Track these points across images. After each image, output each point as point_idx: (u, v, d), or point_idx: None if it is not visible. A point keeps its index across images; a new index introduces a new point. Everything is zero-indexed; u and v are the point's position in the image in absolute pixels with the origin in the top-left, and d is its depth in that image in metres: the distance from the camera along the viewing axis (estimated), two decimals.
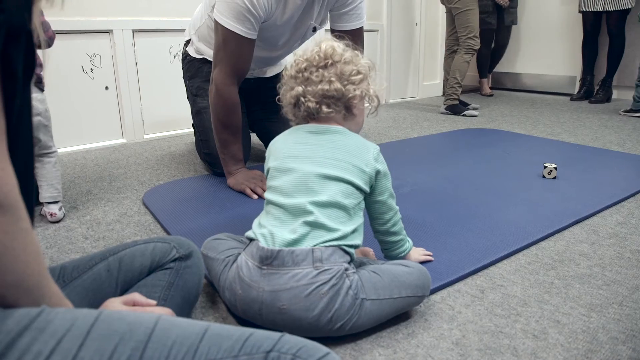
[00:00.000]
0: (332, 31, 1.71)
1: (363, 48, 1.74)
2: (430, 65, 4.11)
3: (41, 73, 1.35)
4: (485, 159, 1.99)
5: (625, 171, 1.81)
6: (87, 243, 1.25)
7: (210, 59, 1.78)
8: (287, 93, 0.96)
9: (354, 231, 0.85)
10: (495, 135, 2.48)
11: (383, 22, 3.60)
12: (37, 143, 1.35)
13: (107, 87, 2.42)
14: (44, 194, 1.38)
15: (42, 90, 1.37)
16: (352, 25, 1.68)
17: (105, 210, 1.50)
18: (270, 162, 0.94)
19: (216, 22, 1.49)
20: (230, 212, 1.42)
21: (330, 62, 0.91)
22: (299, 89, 0.92)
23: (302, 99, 0.93)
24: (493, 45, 4.13)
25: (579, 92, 3.90)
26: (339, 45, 0.93)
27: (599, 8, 3.59)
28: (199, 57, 1.87)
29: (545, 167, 1.71)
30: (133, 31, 2.43)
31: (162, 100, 2.57)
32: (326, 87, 0.90)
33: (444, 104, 3.26)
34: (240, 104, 1.59)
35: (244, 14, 1.44)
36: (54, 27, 2.21)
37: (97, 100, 2.40)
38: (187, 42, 1.94)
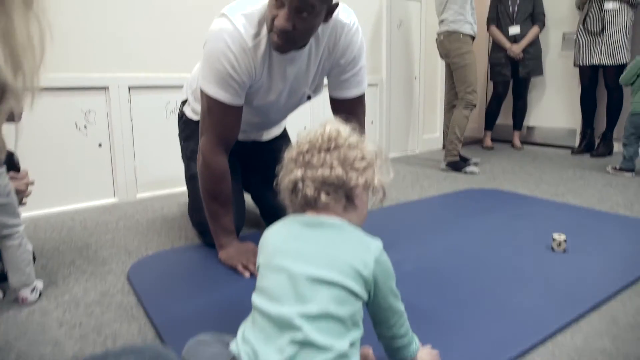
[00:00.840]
0: (332, 100, 1.63)
1: (365, 116, 1.68)
2: (430, 119, 4.08)
3: None
4: (490, 226, 1.90)
5: (637, 241, 1.73)
6: (62, 331, 1.15)
7: None
8: (285, 177, 0.89)
9: (351, 345, 0.75)
10: (499, 197, 2.40)
11: (382, 75, 3.59)
12: None
13: (100, 145, 2.36)
14: (12, 280, 1.26)
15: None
16: (352, 93, 1.59)
17: (87, 287, 1.40)
18: (261, 257, 0.85)
19: (201, 89, 1.43)
20: (220, 292, 1.32)
21: (333, 145, 0.83)
22: (298, 173, 0.84)
23: (301, 184, 0.85)
24: (508, 97, 4.18)
25: (579, 145, 3.87)
26: (345, 129, 0.86)
27: (595, 62, 3.59)
28: (195, 118, 1.80)
29: (554, 239, 1.62)
30: (129, 87, 2.39)
31: (156, 157, 2.51)
32: (327, 172, 0.82)
33: (445, 160, 3.21)
34: (229, 172, 1.51)
35: (226, 80, 1.38)
36: (49, 84, 2.19)
37: (89, 158, 2.34)
38: (184, 102, 1.89)
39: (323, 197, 0.83)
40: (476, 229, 1.87)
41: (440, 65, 4.05)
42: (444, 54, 3.28)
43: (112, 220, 2.11)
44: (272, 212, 1.86)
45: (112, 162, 2.41)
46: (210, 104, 1.43)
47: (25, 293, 1.28)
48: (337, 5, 1.37)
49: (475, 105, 3.17)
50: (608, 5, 3.49)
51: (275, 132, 1.94)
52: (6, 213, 1.24)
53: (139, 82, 2.41)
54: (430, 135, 4.11)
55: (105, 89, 2.32)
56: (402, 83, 3.78)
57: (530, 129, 4.41)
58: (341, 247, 0.80)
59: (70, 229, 1.98)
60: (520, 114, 4.20)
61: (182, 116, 1.88)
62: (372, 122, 3.56)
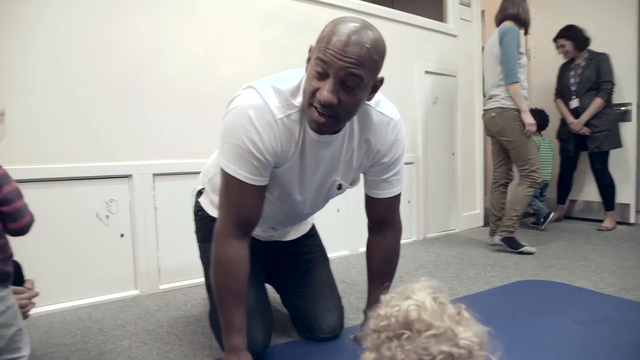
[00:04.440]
0: (368, 198, 1.47)
1: (399, 215, 1.52)
2: (469, 196, 3.88)
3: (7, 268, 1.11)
4: (560, 337, 1.62)
5: None
6: None
7: None
8: (366, 350, 0.69)
9: None
10: (560, 293, 2.12)
11: (419, 153, 3.43)
12: None
13: (122, 235, 2.22)
14: None
15: (6, 286, 1.11)
16: (392, 193, 1.43)
17: None
18: None
19: (220, 167, 1.28)
20: None
21: (408, 333, 0.63)
22: (370, 356, 0.65)
23: None
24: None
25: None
26: (432, 305, 0.65)
27: None
28: (213, 213, 1.62)
29: None
30: (154, 175, 2.28)
31: (180, 246, 2.34)
32: None
33: (500, 234, 3.00)
34: (244, 262, 1.30)
35: (245, 157, 1.21)
36: (69, 174, 2.09)
37: (110, 249, 2.19)
38: (200, 192, 1.73)
39: None
40: (546, 342, 1.58)
41: (478, 141, 3.90)
42: (496, 131, 3.08)
43: (131, 320, 1.93)
44: (304, 321, 1.65)
45: (134, 252, 2.26)
46: (227, 181, 1.26)
47: None
48: (382, 81, 1.23)
49: (539, 184, 3.02)
50: None
51: (299, 232, 1.75)
52: (10, 337, 1.08)
53: (163, 169, 2.30)
54: (470, 212, 3.88)
55: (128, 177, 2.22)
56: (440, 160, 3.62)
57: (578, 203, 4.16)
58: None
59: (85, 332, 1.80)
60: (605, 191, 3.76)
61: (198, 210, 1.71)
62: (409, 202, 3.37)
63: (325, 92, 1.11)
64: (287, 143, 1.25)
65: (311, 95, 1.15)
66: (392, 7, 3.38)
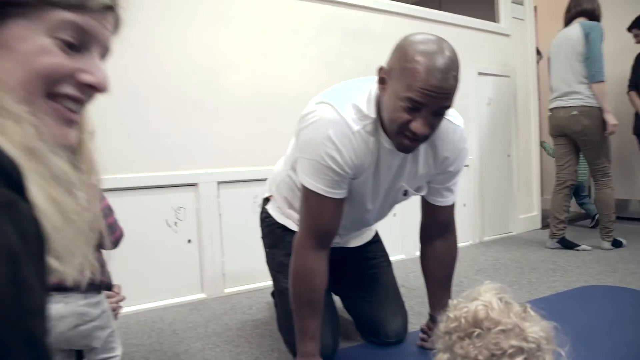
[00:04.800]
0: (427, 204, 1.51)
1: (454, 224, 1.56)
2: (526, 197, 3.81)
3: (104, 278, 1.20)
4: (632, 343, 1.57)
5: None
6: None
7: (291, 228, 1.60)
8: (439, 352, 0.73)
9: None
10: (628, 299, 2.06)
11: (474, 155, 3.41)
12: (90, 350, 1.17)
13: (189, 241, 2.33)
14: None
15: (100, 292, 1.21)
16: (452, 200, 1.48)
17: None
18: None
19: (301, 182, 1.34)
20: None
21: (478, 331, 0.67)
22: (444, 357, 0.70)
23: None
24: None
25: None
26: (498, 304, 0.70)
27: None
28: (281, 220, 1.69)
29: None
30: (218, 183, 2.38)
31: (244, 252, 2.43)
32: None
33: (607, 241, 3.04)
34: (322, 273, 1.36)
35: (325, 172, 1.26)
36: (140, 183, 2.22)
37: (178, 254, 2.30)
38: (267, 199, 1.79)
39: None
40: (615, 356, 1.51)
41: (534, 142, 3.83)
42: (577, 130, 2.96)
43: (202, 322, 2.02)
44: (369, 326, 1.69)
45: (201, 257, 2.36)
46: (307, 194, 1.32)
47: None
48: None
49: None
50: None
51: (361, 239, 1.79)
52: (106, 338, 1.17)
53: (227, 177, 2.40)
54: (527, 214, 3.81)
55: (194, 185, 2.32)
56: (495, 162, 3.58)
57: (634, 203, 4.02)
58: None
59: (159, 334, 1.90)
60: None
61: (265, 217, 1.77)
62: (464, 205, 3.35)
63: (422, 126, 1.17)
64: (364, 154, 1.30)
65: (402, 126, 1.19)
66: (440, 9, 3.37)
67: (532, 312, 0.73)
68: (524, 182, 3.79)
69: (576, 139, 3.03)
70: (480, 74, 3.44)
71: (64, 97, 0.49)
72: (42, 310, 0.35)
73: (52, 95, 0.48)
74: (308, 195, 1.32)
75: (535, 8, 4.01)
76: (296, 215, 1.57)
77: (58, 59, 0.47)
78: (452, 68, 1.15)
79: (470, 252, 3.16)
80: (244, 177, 2.44)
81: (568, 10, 3.05)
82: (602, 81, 2.83)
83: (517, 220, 3.72)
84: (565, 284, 2.34)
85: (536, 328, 0.69)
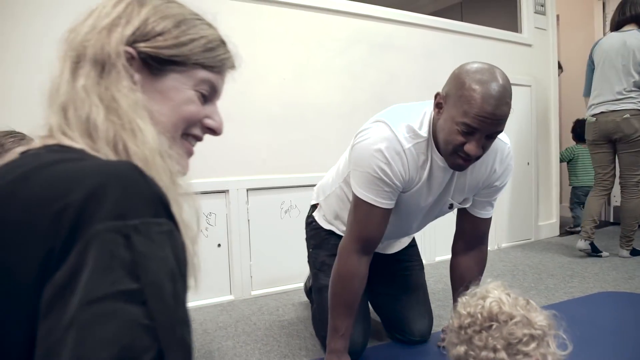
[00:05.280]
0: (466, 214, 1.60)
1: (488, 237, 1.65)
2: (546, 205, 3.86)
3: None
4: None
5: None
6: None
7: (338, 232, 1.72)
8: (451, 347, 0.84)
9: None
10: None
11: None
12: None
13: (219, 245, 2.45)
14: None
15: None
16: (487, 214, 1.58)
17: None
18: None
19: (353, 192, 1.45)
20: None
21: (495, 323, 0.77)
22: (461, 349, 0.79)
23: None
24: None
25: None
26: (507, 299, 0.80)
27: None
28: (326, 226, 1.80)
29: None
30: (247, 190, 2.49)
31: (270, 256, 2.55)
32: (490, 355, 0.76)
33: (627, 249, 3.08)
34: (360, 280, 1.48)
35: (376, 183, 1.37)
36: None
37: (209, 258, 2.42)
38: (314, 206, 1.89)
39: None
40: None
41: (555, 150, 3.87)
42: (626, 134, 2.95)
43: (231, 322, 2.14)
44: (396, 323, 1.79)
45: (230, 261, 2.48)
46: (356, 203, 1.43)
47: None
48: None
49: None
50: None
51: (398, 246, 1.89)
52: None
53: (256, 184, 2.52)
54: (546, 221, 3.86)
55: (225, 192, 2.44)
56: (515, 170, 3.56)
57: None
58: None
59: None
60: None
61: (311, 222, 1.88)
62: None
63: (475, 148, 1.26)
64: (414, 170, 1.40)
65: (457, 147, 1.29)
66: (462, 20, 3.44)
67: (534, 304, 0.84)
68: (544, 189, 3.84)
69: (619, 144, 3.01)
70: None
71: (193, 136, 0.62)
72: (189, 320, 0.46)
73: (184, 134, 0.61)
74: (358, 204, 1.43)
75: (557, 17, 4.06)
76: (341, 226, 1.69)
77: (198, 108, 0.61)
78: (505, 96, 1.23)
79: (488, 258, 3.19)
80: (272, 185, 2.55)
81: (623, 13, 2.99)
82: None
83: (536, 227, 3.77)
84: (582, 290, 2.41)
85: (540, 317, 0.80)
